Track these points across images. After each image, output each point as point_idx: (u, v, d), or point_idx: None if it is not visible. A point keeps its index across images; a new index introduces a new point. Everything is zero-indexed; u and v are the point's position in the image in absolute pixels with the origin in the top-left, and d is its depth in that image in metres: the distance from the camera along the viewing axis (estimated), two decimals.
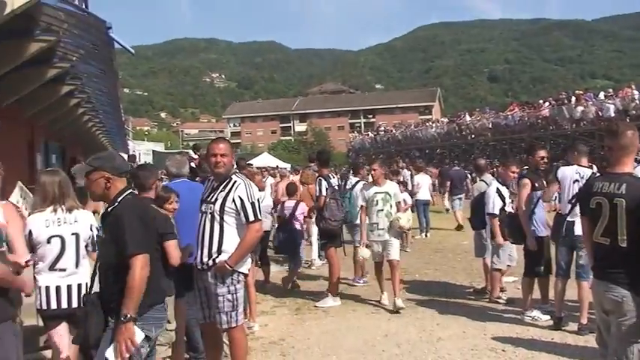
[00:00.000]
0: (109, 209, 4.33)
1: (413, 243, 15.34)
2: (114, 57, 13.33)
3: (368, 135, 70.77)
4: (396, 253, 9.34)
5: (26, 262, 4.49)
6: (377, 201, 9.29)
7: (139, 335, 4.08)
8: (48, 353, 6.45)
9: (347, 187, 11.80)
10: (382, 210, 9.24)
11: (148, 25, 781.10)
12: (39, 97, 14.88)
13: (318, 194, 9.86)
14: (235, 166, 6.81)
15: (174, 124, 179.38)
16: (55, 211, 5.43)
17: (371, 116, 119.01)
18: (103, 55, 13.00)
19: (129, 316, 4.00)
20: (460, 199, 19.50)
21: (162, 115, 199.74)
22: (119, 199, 4.31)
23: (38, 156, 19.02)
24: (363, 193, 9.59)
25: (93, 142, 31.76)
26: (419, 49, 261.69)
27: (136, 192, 5.83)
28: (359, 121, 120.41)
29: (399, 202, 9.63)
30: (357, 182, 11.41)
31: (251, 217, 5.52)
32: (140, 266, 4.06)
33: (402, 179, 17.04)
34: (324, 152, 11.41)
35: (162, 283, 4.52)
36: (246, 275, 5.80)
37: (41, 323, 6.18)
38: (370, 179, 9.87)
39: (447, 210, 21.88)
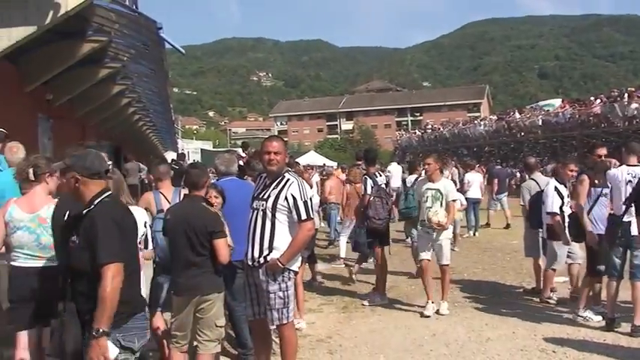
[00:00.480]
0: (84, 212, 4.03)
1: (461, 241, 15.19)
2: (164, 57, 13.52)
3: (415, 133, 70.31)
4: (447, 256, 8.96)
5: None
6: (427, 197, 8.86)
7: (112, 351, 3.78)
8: None
9: (407, 184, 11.80)
10: (430, 208, 8.76)
11: (197, 25, 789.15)
12: (90, 97, 15.20)
13: (363, 192, 9.84)
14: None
15: (222, 123, 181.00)
16: None
17: (418, 114, 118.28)
18: (154, 55, 13.20)
19: (101, 330, 3.70)
20: (505, 197, 19.23)
21: (211, 114, 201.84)
22: (95, 201, 4.01)
23: None
24: (417, 189, 9.44)
25: (143, 141, 32.25)
26: (467, 46, 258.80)
27: (188, 191, 5.94)
28: (406, 119, 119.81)
29: (452, 202, 8.95)
30: (417, 179, 11.46)
31: (303, 216, 5.53)
32: (112, 276, 3.75)
33: (449, 178, 16.86)
34: (371, 151, 11.36)
35: (140, 291, 4.23)
36: (296, 273, 5.81)
37: None
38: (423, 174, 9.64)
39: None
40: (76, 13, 9.06)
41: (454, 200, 9.07)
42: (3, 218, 5.32)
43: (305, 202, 5.53)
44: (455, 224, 13.00)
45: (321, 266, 11.83)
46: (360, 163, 10.68)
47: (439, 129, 61.18)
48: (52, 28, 9.29)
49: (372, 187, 9.71)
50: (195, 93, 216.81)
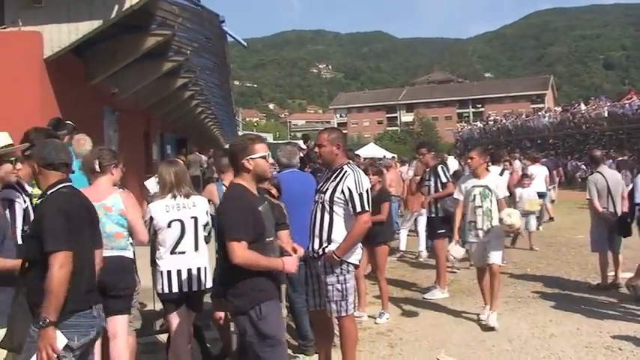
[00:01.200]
0: (39, 202, 4.05)
1: (524, 236, 14.93)
2: (227, 50, 13.65)
3: (477, 125, 69.30)
4: (498, 256, 8.03)
5: None
6: (474, 196, 8.04)
7: (60, 341, 3.72)
8: (163, 337, 6.71)
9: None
10: (480, 207, 7.95)
11: (257, 18, 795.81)
12: (154, 90, 15.45)
13: (445, 181, 9.75)
14: None
15: (282, 115, 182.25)
16: (174, 197, 5.63)
17: (480, 106, 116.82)
18: (216, 48, 13.35)
19: (48, 320, 3.65)
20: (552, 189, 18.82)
21: (271, 106, 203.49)
22: (49, 192, 3.99)
23: (154, 146, 19.77)
24: (460, 186, 8.38)
25: (205, 133, 32.67)
26: (530, 36, 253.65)
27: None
28: (467, 110, 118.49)
29: (502, 199, 8.07)
30: (503, 171, 11.63)
31: (358, 208, 5.48)
32: (58, 265, 3.69)
33: (511, 171, 16.55)
34: (420, 144, 11.32)
35: (86, 287, 4.00)
36: (356, 266, 5.77)
37: (158, 307, 6.44)
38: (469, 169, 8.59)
39: (553, 201, 21.09)
40: (140, 7, 9.22)
41: (504, 197, 8.16)
42: None
43: (360, 195, 5.47)
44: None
45: None
46: (423, 153, 10.47)
47: (501, 121, 60.15)
48: (117, 22, 9.49)
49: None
50: (255, 85, 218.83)
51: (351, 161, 5.90)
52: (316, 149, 5.85)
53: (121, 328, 5.35)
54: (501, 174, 12.64)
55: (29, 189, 4.75)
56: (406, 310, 8.85)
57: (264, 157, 4.54)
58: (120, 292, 5.25)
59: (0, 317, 4.14)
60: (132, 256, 5.46)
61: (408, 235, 13.30)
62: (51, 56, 9.11)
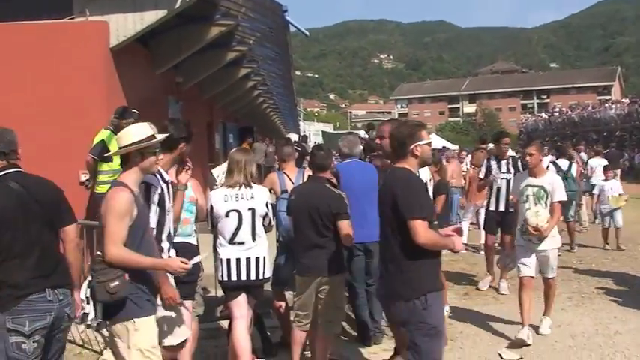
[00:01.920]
0: None
1: (588, 231, 14.59)
2: (289, 40, 13.68)
3: (541, 116, 67.93)
4: (554, 268, 7.25)
5: None
6: (527, 197, 7.09)
7: None
8: (224, 323, 6.80)
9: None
10: (530, 209, 6.97)
11: (319, 8, 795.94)
12: (218, 80, 15.61)
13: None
14: None
15: (343, 106, 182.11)
16: (234, 187, 5.68)
17: (545, 96, 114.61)
18: (278, 38, 13.39)
19: None
20: None
21: (332, 96, 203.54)
22: None
23: (216, 135, 20.00)
24: (513, 186, 7.67)
25: (267, 123, 32.91)
26: (598, 26, 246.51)
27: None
28: (532, 101, 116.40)
29: (557, 204, 7.05)
30: (571, 165, 11.53)
31: None
32: None
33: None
34: (502, 133, 10.88)
35: (32, 273, 4.11)
36: None
37: (219, 294, 6.51)
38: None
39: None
40: None
41: (559, 201, 7.11)
42: None
43: None
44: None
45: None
46: (483, 146, 10.34)
47: (567, 112, 58.78)
48: (182, 12, 9.60)
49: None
50: (316, 76, 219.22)
51: None
52: (377, 140, 5.83)
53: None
54: (569, 168, 12.43)
55: (166, 177, 4.89)
56: (466, 302, 8.75)
57: (429, 144, 4.63)
58: (184, 278, 5.33)
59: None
60: (196, 243, 5.54)
61: (468, 229, 13.16)
62: (117, 45, 9.28)
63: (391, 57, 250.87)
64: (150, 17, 9.29)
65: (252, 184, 5.73)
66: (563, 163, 12.66)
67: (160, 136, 4.42)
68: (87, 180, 8.69)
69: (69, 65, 8.98)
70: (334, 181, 6.10)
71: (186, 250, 5.32)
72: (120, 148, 4.23)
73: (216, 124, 20.10)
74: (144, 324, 4.08)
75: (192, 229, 5.51)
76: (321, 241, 5.62)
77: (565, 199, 7.48)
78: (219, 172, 7.19)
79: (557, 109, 64.82)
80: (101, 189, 8.48)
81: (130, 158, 4.21)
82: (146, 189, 4.58)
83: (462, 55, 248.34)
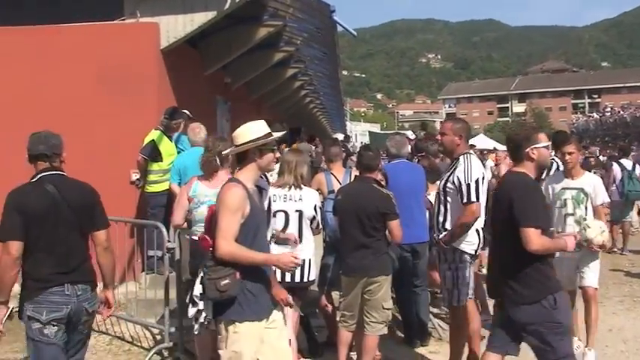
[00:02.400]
0: None
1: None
2: (337, 40, 13.66)
3: (592, 116, 66.62)
4: (594, 277, 6.43)
5: None
6: (565, 200, 6.44)
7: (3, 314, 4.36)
8: None
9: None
10: (572, 215, 6.39)
11: (367, 7, 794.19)
12: (265, 80, 15.68)
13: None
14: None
15: (390, 106, 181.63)
16: (283, 187, 5.72)
17: (596, 96, 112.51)
18: (326, 38, 13.38)
19: None
20: None
21: (379, 96, 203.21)
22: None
23: None
24: (547, 188, 6.59)
25: (313, 123, 32.95)
26: None
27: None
28: (583, 101, 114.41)
29: (601, 206, 6.51)
30: (635, 165, 11.68)
31: (465, 199, 5.38)
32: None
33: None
34: (561, 133, 10.36)
35: (55, 269, 4.40)
36: (473, 256, 5.62)
37: None
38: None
39: None
40: None
41: (602, 204, 6.54)
42: (187, 194, 5.65)
43: (468, 185, 5.36)
44: None
45: None
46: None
47: (619, 112, 57.51)
48: (231, 13, 9.66)
49: None
50: (363, 75, 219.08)
51: (471, 151, 5.79)
52: (438, 137, 5.85)
53: None
54: (634, 168, 12.24)
55: (268, 175, 4.99)
56: None
57: (547, 147, 4.62)
58: None
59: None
60: None
61: None
62: (167, 47, 9.39)
63: (439, 56, 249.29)
64: (200, 18, 9.37)
65: (303, 186, 5.76)
66: (628, 163, 12.51)
67: (277, 134, 4.45)
68: (137, 179, 8.83)
69: (120, 66, 9.12)
70: (382, 181, 6.09)
71: None
72: (237, 145, 4.20)
73: None
74: (244, 329, 4.03)
75: None
76: (367, 242, 5.61)
77: (608, 200, 6.94)
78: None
79: (608, 109, 63.50)
80: (151, 188, 8.63)
81: (247, 156, 4.18)
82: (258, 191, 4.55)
83: (511, 54, 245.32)
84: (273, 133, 4.28)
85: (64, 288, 4.36)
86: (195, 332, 4.68)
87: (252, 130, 4.19)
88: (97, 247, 4.64)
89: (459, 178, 5.42)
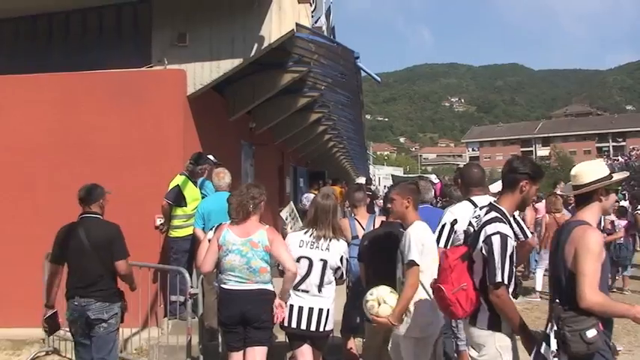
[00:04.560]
0: None
1: None
2: (360, 85, 13.75)
3: (617, 160, 66.10)
4: None
5: None
6: None
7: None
8: None
9: None
10: None
11: (389, 53, 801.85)
12: (289, 124, 15.79)
13: None
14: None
15: (413, 149, 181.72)
16: (310, 233, 5.70)
17: (621, 139, 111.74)
18: (350, 83, 13.47)
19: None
20: None
21: (402, 139, 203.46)
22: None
23: (287, 180, 20.17)
24: None
25: (337, 167, 33.01)
26: None
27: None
28: (607, 144, 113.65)
29: None
30: None
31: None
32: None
33: None
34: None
35: (73, 284, 6.04)
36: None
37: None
38: None
39: None
40: (278, 45, 9.48)
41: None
42: (217, 241, 5.65)
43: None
44: None
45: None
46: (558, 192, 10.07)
47: None
48: (256, 60, 9.78)
49: None
50: (386, 119, 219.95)
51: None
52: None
53: (259, 358, 5.48)
54: None
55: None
56: None
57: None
58: (261, 324, 5.40)
59: None
60: (273, 289, 5.56)
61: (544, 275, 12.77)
62: (194, 93, 9.49)
63: (462, 100, 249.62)
64: (226, 65, 9.49)
65: (333, 237, 5.69)
66: None
67: (621, 174, 4.34)
68: (162, 224, 8.86)
69: (148, 112, 9.23)
70: None
71: (264, 297, 5.40)
72: (582, 184, 4.02)
73: (287, 168, 20.28)
74: None
75: (269, 277, 5.59)
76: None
77: None
78: (286, 214, 7.25)
79: (634, 153, 62.99)
80: (175, 233, 8.65)
81: (593, 196, 3.98)
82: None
83: (534, 98, 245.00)
84: (613, 175, 4.06)
85: (75, 299, 5.93)
86: None
87: (596, 169, 4.04)
88: (119, 274, 6.05)
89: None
